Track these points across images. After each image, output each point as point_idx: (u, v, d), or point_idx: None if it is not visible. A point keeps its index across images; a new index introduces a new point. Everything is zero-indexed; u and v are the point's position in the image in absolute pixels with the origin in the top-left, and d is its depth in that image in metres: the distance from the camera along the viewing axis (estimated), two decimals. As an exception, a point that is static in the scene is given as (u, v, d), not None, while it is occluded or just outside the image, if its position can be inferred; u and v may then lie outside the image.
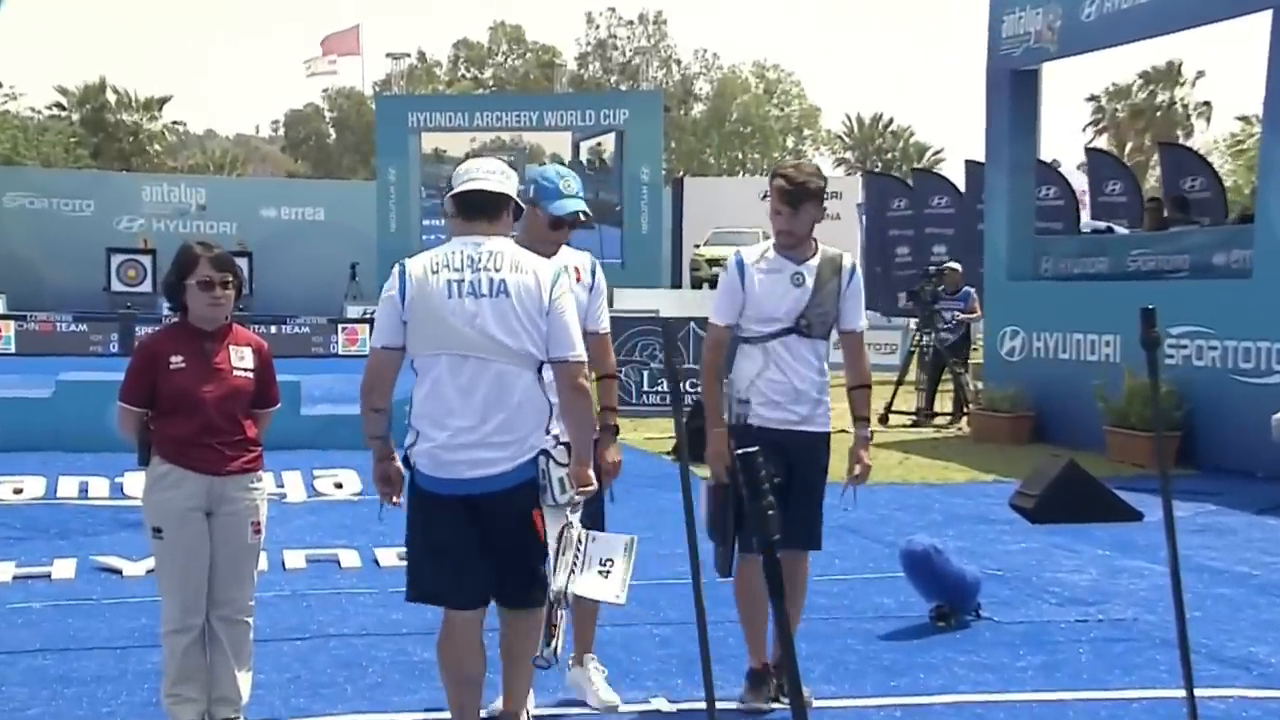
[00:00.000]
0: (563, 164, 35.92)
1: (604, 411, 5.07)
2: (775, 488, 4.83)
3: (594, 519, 4.85)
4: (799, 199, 5.08)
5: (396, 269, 4.38)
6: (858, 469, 5.24)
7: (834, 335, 5.29)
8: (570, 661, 5.29)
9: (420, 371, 4.35)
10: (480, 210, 4.38)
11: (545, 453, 4.29)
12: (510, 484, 4.27)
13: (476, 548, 4.33)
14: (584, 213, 4.99)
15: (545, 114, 33.53)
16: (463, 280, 4.26)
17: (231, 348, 4.69)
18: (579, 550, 4.35)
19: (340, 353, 22.83)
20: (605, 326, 5.13)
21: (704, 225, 32.71)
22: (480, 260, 4.29)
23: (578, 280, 4.99)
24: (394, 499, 4.46)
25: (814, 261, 5.18)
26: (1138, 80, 61.93)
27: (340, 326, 23.71)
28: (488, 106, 36.09)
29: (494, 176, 4.40)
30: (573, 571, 4.31)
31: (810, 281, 5.14)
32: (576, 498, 4.36)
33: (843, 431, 5.34)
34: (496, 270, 4.27)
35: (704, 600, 3.29)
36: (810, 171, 5.19)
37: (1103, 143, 60.44)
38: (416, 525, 4.43)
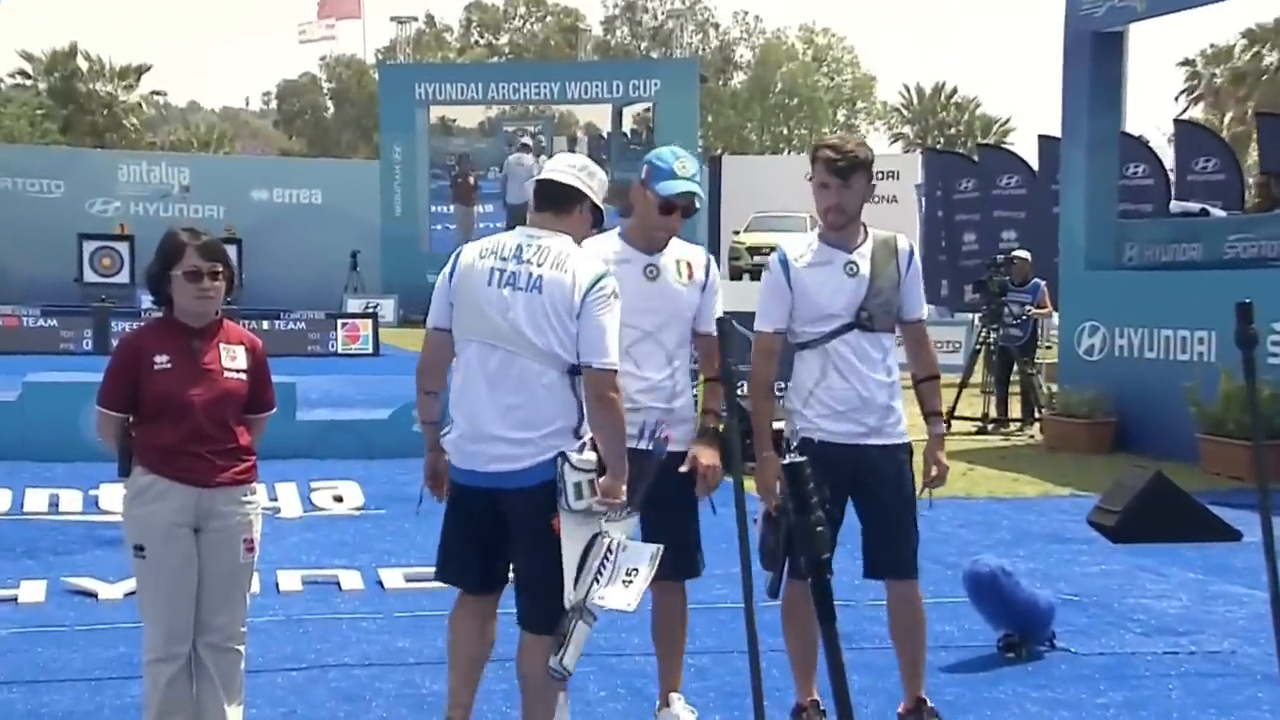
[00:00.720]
0: (600, 136, 36.15)
1: (705, 414, 5.26)
2: (826, 513, 4.89)
3: (684, 533, 5.12)
4: (849, 170, 5.07)
5: (456, 251, 4.81)
6: (934, 471, 5.24)
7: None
8: (657, 705, 5.38)
9: (458, 356, 4.73)
10: (549, 201, 4.75)
11: (564, 454, 4.52)
12: (531, 481, 4.55)
13: (494, 537, 4.68)
14: (697, 196, 5.13)
15: (568, 85, 33.56)
16: (505, 270, 4.63)
17: (222, 346, 4.71)
18: (607, 560, 4.53)
19: (340, 351, 22.75)
20: None
21: (744, 209, 32.69)
22: (526, 252, 4.63)
23: (689, 277, 5.18)
24: (440, 496, 4.87)
25: (866, 248, 5.18)
26: (1241, 40, 61.28)
27: (340, 322, 23.63)
28: (503, 76, 36.15)
29: (571, 171, 4.78)
30: (596, 582, 4.50)
31: (865, 269, 5.14)
32: (596, 507, 4.54)
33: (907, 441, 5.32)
34: (539, 265, 4.59)
35: (756, 626, 3.31)
36: (858, 142, 5.24)
37: (1198, 113, 59.94)
38: (446, 510, 4.84)
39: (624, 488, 4.58)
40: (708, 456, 5.15)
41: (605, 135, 36.40)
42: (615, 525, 4.61)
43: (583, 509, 4.50)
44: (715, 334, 5.20)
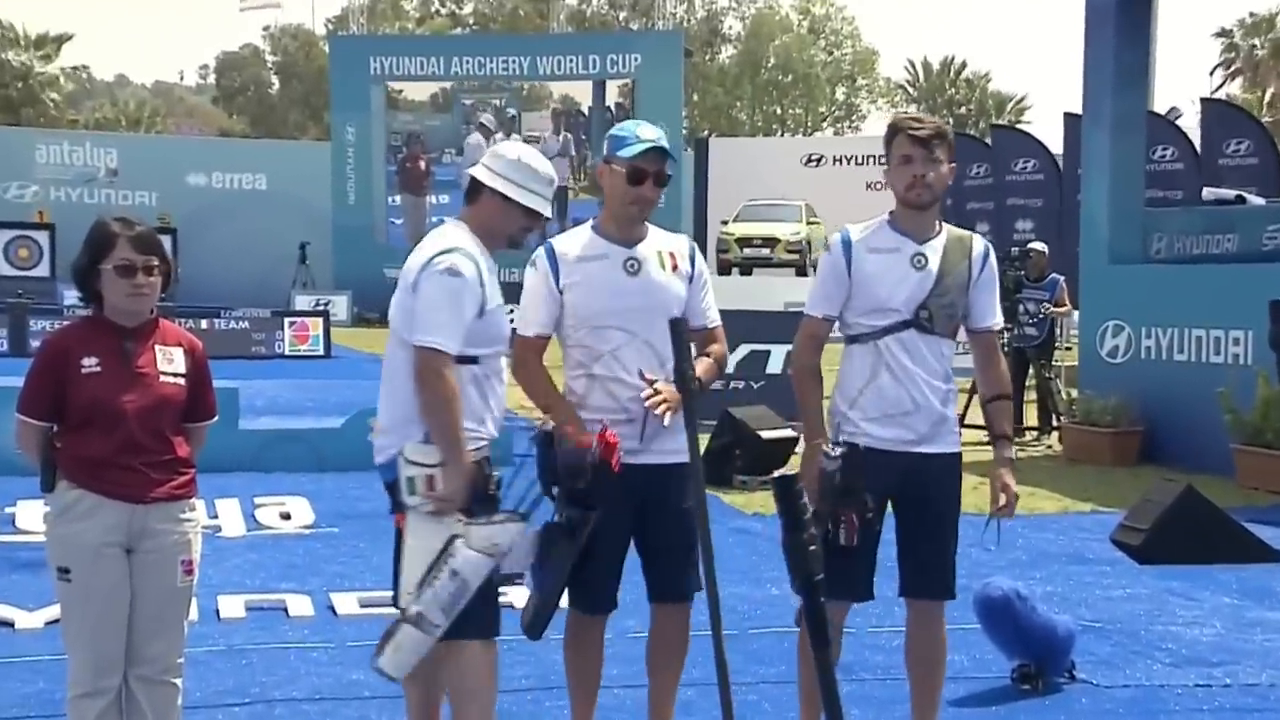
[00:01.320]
0: (581, 114, 35.99)
1: None
2: (868, 524, 4.93)
3: (690, 547, 5.06)
4: (933, 137, 5.06)
5: None
6: (1002, 499, 5.25)
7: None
8: None
9: None
10: (467, 194, 4.99)
11: (403, 446, 4.68)
12: (392, 475, 4.71)
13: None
14: (668, 159, 5.11)
15: (538, 60, 33.58)
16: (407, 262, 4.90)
17: (157, 348, 4.71)
18: (443, 564, 4.60)
19: (287, 353, 22.68)
20: (715, 319, 5.30)
21: (733, 197, 32.69)
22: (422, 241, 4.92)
23: (674, 268, 5.16)
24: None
25: (939, 241, 5.16)
26: (1285, 9, 61.37)
27: (287, 321, 23.60)
28: (466, 50, 36.18)
29: (485, 161, 4.95)
30: (429, 586, 4.59)
31: (934, 264, 5.11)
32: (425, 507, 4.61)
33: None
34: (416, 252, 4.85)
35: (726, 654, 3.33)
36: (935, 118, 5.28)
37: (1235, 89, 59.97)
38: None
39: (458, 486, 4.61)
40: (664, 384, 5.02)
41: (585, 112, 36.24)
42: (483, 529, 4.62)
43: (415, 504, 4.60)
44: (712, 327, 5.25)
